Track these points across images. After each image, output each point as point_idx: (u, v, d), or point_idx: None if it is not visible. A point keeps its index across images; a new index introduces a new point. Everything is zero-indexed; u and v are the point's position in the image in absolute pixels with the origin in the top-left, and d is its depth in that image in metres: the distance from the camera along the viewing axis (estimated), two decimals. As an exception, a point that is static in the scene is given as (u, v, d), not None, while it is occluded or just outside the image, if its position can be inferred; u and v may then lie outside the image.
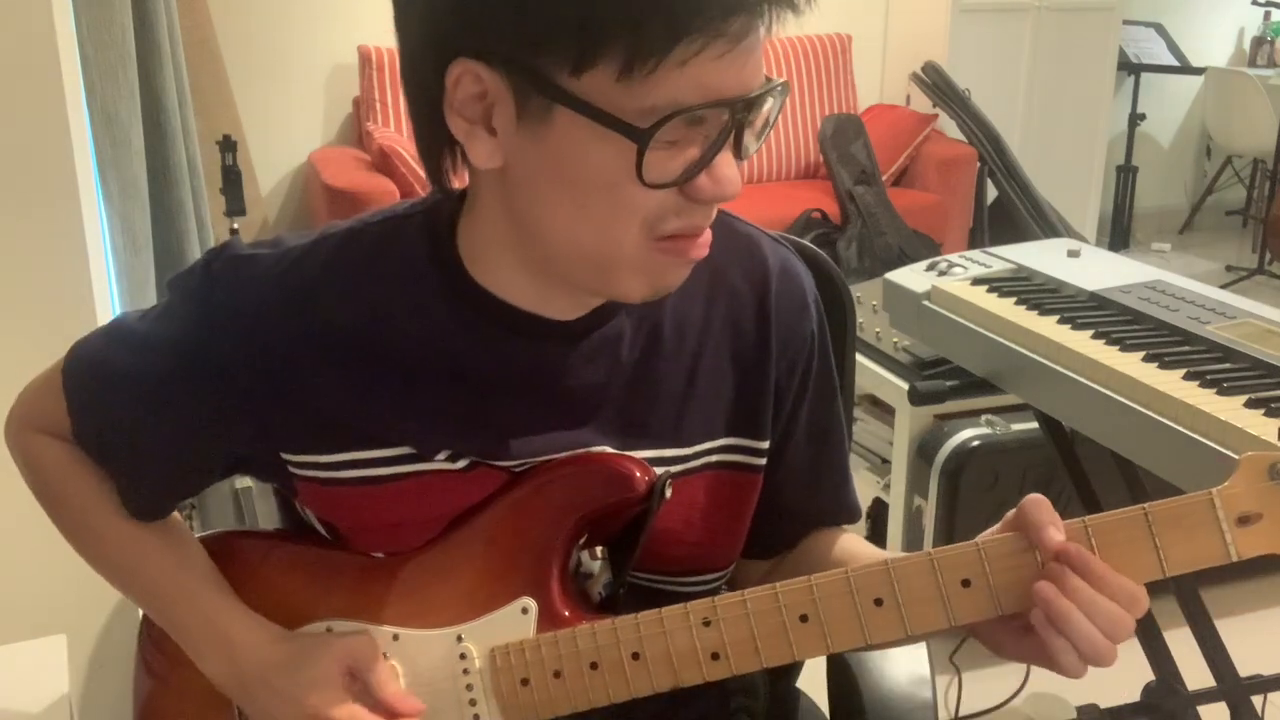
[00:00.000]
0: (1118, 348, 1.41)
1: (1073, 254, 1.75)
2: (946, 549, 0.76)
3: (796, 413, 0.94)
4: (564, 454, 0.85)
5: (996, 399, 2.20)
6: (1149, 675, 1.78)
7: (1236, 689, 1.68)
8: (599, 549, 0.88)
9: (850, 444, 1.17)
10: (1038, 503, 0.75)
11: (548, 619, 0.83)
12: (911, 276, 1.74)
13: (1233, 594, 2.39)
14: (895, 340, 2.36)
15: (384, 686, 0.84)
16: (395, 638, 0.86)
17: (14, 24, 1.32)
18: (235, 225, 2.75)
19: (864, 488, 2.60)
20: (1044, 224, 3.64)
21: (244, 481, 2.08)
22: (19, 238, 1.38)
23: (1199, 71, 5.37)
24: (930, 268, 1.75)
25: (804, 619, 0.78)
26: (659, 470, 0.85)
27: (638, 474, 0.83)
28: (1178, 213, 5.94)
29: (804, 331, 0.93)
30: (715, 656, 0.79)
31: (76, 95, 1.41)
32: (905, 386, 2.09)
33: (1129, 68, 5.21)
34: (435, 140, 0.77)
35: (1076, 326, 1.48)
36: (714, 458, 0.90)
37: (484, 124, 0.73)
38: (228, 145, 2.78)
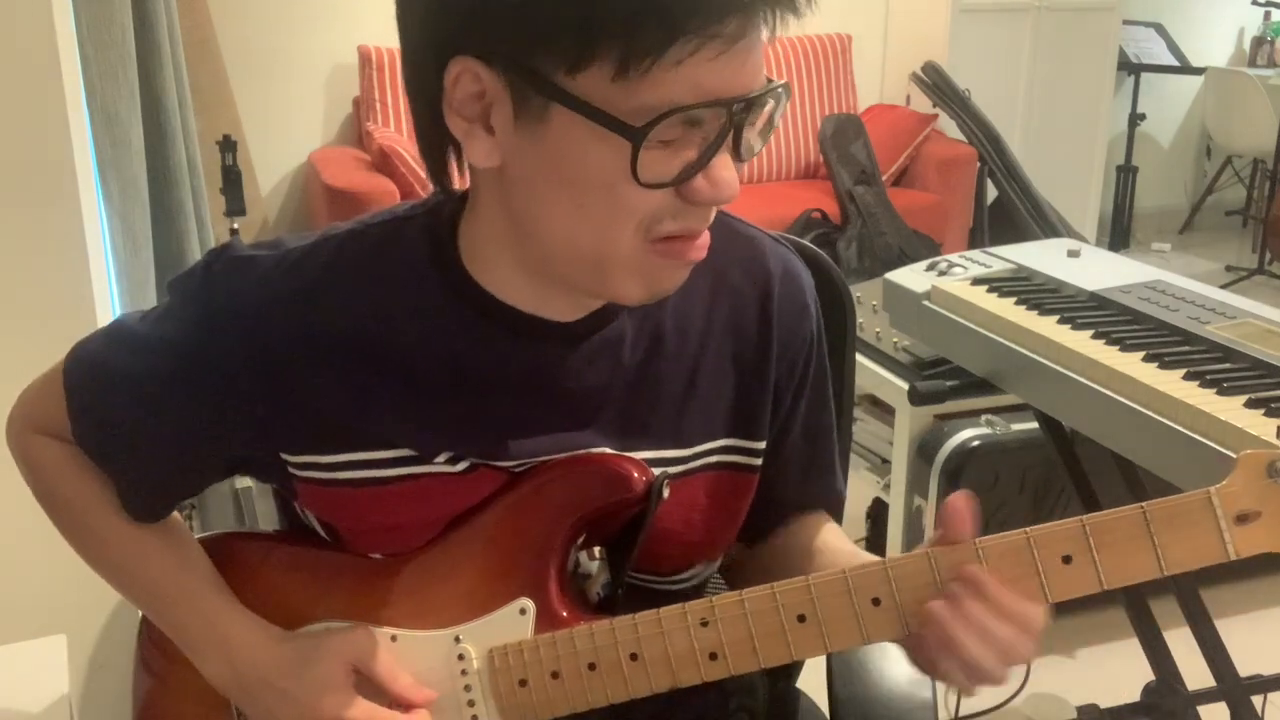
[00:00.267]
0: (1118, 348, 1.40)
1: (1073, 254, 1.75)
2: (943, 549, 0.76)
3: (794, 411, 0.95)
4: (563, 455, 0.85)
5: (996, 399, 2.20)
6: (1149, 675, 1.78)
7: (1236, 689, 1.68)
8: (597, 549, 0.88)
9: (850, 443, 1.18)
10: (961, 495, 0.76)
11: (546, 620, 0.83)
12: (911, 276, 1.74)
13: (1233, 594, 2.38)
14: (895, 340, 2.35)
15: (393, 680, 0.84)
16: (393, 639, 0.86)
17: (14, 24, 1.32)
18: (235, 225, 2.75)
19: (864, 488, 2.60)
20: (1044, 224, 3.64)
21: (244, 482, 2.08)
22: (19, 238, 1.38)
23: (1199, 71, 5.37)
24: (930, 268, 1.75)
25: (802, 619, 0.78)
26: (657, 471, 0.85)
27: (635, 475, 0.83)
28: (1178, 213, 5.93)
29: (804, 333, 0.93)
30: (713, 657, 0.79)
31: (76, 95, 1.42)
32: (905, 386, 2.09)
33: (1129, 68, 5.20)
34: (436, 140, 0.77)
35: (1076, 326, 1.48)
36: (713, 458, 0.90)
37: (482, 123, 0.73)
38: (228, 145, 2.79)
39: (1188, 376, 1.31)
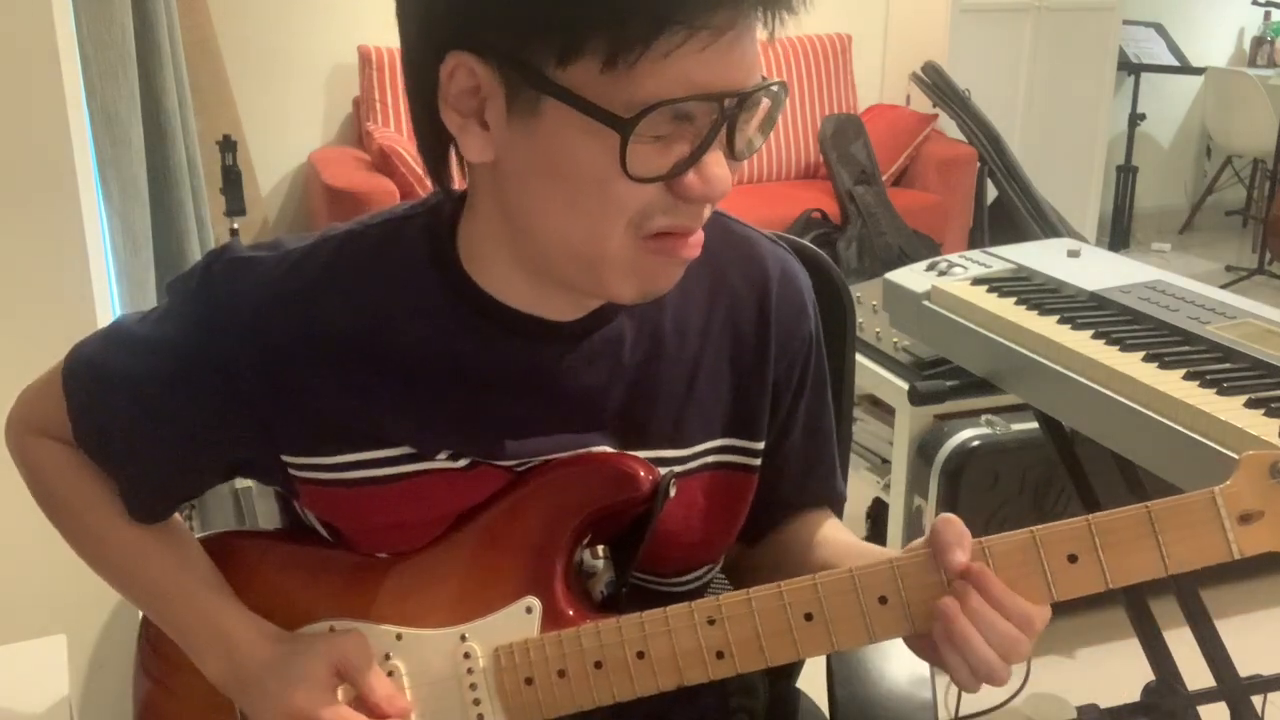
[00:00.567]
0: (1118, 348, 1.41)
1: (1073, 254, 1.75)
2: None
3: (794, 411, 0.95)
4: (567, 454, 0.85)
5: (996, 399, 2.20)
6: (1149, 675, 1.78)
7: (1236, 689, 1.68)
8: (601, 548, 0.88)
9: (850, 443, 1.18)
10: (946, 522, 0.76)
11: (551, 618, 0.83)
12: (911, 276, 1.74)
13: (1233, 594, 2.39)
14: (895, 340, 2.36)
15: (372, 688, 0.83)
16: (399, 638, 0.86)
17: (14, 24, 1.32)
18: (235, 225, 2.75)
19: (864, 488, 2.60)
20: (1044, 224, 3.65)
21: (244, 482, 2.07)
22: (19, 238, 1.38)
23: (1199, 71, 5.38)
24: (930, 268, 1.75)
25: (809, 617, 0.78)
26: (662, 470, 0.85)
27: (642, 474, 0.83)
28: (1178, 213, 5.94)
29: (803, 334, 0.93)
30: (720, 655, 0.79)
31: (76, 95, 1.42)
32: (905, 386, 2.09)
33: (1129, 68, 5.21)
34: (434, 137, 0.78)
35: (1076, 326, 1.48)
36: (711, 459, 0.90)
37: (477, 118, 0.73)
38: (228, 145, 2.79)
39: (1188, 376, 1.31)
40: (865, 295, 2.57)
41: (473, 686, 0.84)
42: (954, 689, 2.16)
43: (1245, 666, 1.70)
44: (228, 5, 3.80)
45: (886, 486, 2.47)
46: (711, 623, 0.79)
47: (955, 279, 1.69)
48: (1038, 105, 4.89)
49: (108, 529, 0.91)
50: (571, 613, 0.83)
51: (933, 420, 2.32)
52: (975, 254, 1.79)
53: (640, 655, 0.80)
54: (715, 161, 0.72)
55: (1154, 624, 1.77)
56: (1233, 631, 1.75)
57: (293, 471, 0.86)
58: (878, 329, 2.40)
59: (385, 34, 3.87)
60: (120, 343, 0.88)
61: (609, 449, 0.86)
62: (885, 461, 2.56)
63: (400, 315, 0.83)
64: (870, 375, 2.34)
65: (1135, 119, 5.24)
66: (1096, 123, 5.03)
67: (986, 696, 2.16)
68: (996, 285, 1.65)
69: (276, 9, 4.01)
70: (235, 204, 2.76)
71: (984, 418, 2.29)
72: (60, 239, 1.40)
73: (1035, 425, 2.10)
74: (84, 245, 1.41)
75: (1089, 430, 1.42)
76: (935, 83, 3.84)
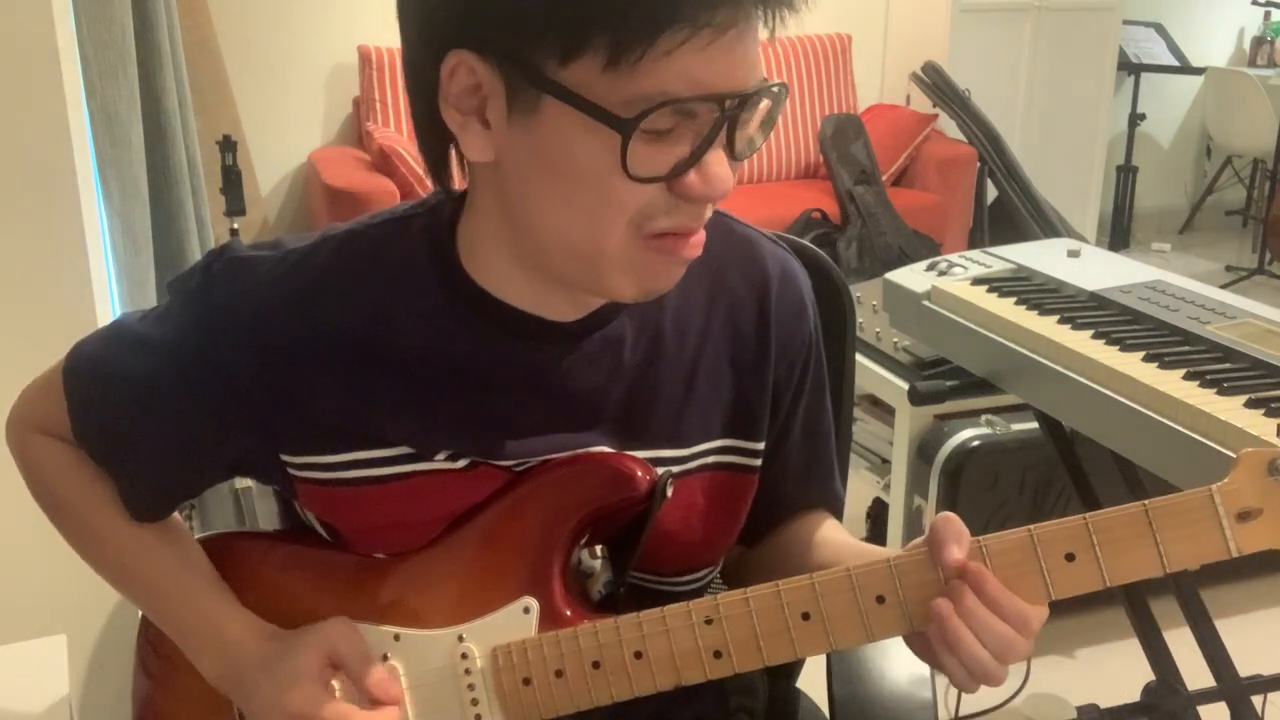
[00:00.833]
0: (1118, 348, 1.41)
1: (1073, 254, 1.75)
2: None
3: (793, 413, 0.95)
4: (565, 454, 0.85)
5: (996, 399, 2.20)
6: (1149, 675, 1.78)
7: (1236, 689, 1.68)
8: (599, 548, 0.88)
9: (850, 443, 1.18)
10: (945, 520, 0.75)
11: (549, 618, 0.83)
12: (911, 276, 1.74)
13: (1233, 594, 2.38)
14: (895, 340, 2.36)
15: (364, 674, 0.83)
16: (397, 638, 0.86)
17: (14, 24, 1.32)
18: (235, 225, 2.75)
19: (864, 488, 2.60)
20: (1044, 224, 3.65)
21: (244, 482, 2.08)
22: (19, 238, 1.38)
23: (1199, 71, 5.38)
24: (930, 268, 1.75)
25: (806, 617, 0.78)
26: (660, 470, 0.85)
27: (639, 474, 0.83)
28: (1178, 213, 5.94)
29: (802, 334, 0.93)
30: (718, 655, 0.79)
31: (76, 95, 1.42)
32: (905, 386, 2.09)
33: (1129, 68, 5.21)
34: (434, 136, 0.78)
35: (1076, 326, 1.48)
36: (710, 459, 0.90)
37: (478, 117, 0.73)
38: (228, 145, 2.79)
39: (1188, 376, 1.31)
40: (865, 295, 2.57)
41: (470, 687, 0.84)
42: (954, 689, 2.16)
43: (1245, 666, 1.70)
44: (228, 5, 3.80)
45: (886, 486, 2.47)
46: (709, 622, 0.79)
47: (955, 279, 1.69)
48: (1038, 105, 4.88)
49: (107, 528, 0.91)
50: (569, 613, 0.83)
51: (933, 420, 2.32)
52: (975, 254, 1.79)
53: (638, 655, 0.80)
54: (716, 161, 0.72)
55: (1154, 624, 1.77)
56: (1233, 631, 1.75)
57: (292, 471, 0.86)
58: (878, 329, 2.40)
59: (385, 34, 3.87)
60: (121, 342, 0.88)
61: (608, 449, 0.86)
62: (885, 461, 2.56)
63: (400, 315, 0.83)
64: (870, 375, 2.34)
65: (1135, 119, 5.24)
66: (1096, 123, 5.03)
67: (986, 696, 2.16)
68: (996, 285, 1.65)
69: (276, 9, 4.02)
70: (235, 204, 2.76)
71: (984, 418, 2.29)
72: (60, 239, 1.40)
73: (1035, 425, 2.10)
74: (84, 245, 1.41)
75: (1089, 430, 1.42)
76: (935, 83, 3.84)
